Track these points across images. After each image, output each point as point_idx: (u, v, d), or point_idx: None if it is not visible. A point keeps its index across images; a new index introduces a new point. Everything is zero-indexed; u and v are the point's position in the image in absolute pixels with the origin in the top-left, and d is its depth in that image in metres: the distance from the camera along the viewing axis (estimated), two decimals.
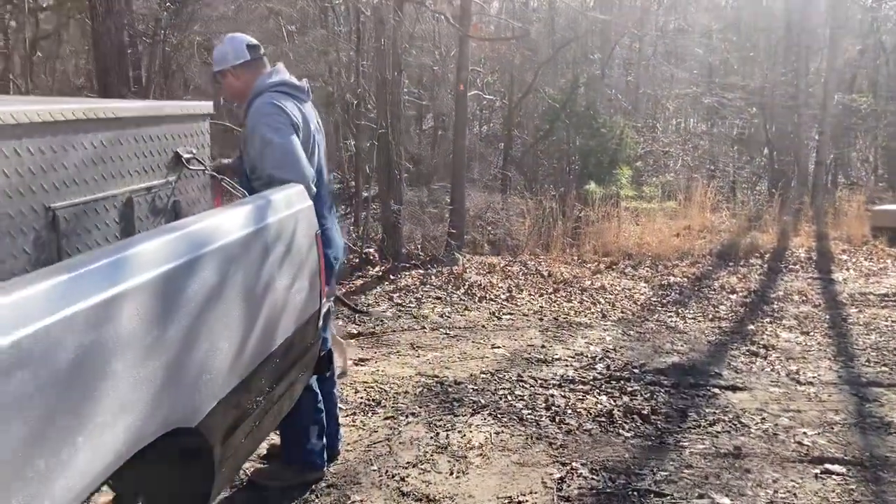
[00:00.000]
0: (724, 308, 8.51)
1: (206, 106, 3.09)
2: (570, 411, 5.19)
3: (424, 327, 7.29)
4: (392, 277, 9.00)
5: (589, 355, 6.53)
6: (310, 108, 3.95)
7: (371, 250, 10.00)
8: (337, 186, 16.79)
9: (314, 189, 3.54)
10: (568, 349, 6.70)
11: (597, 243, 11.86)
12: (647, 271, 10.55)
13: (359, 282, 8.86)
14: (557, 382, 5.79)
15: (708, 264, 10.99)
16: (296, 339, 2.77)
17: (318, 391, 4.04)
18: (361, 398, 5.37)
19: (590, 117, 16.54)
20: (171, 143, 2.78)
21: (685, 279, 10.05)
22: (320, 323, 3.16)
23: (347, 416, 5.04)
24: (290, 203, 2.80)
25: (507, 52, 16.72)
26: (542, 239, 11.92)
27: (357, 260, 9.62)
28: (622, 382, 5.85)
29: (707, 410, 5.30)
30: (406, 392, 5.51)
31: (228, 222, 2.29)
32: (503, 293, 8.69)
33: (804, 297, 8.95)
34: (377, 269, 9.40)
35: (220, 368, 2.14)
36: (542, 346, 6.76)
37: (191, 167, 2.91)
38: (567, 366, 6.24)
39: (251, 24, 13.40)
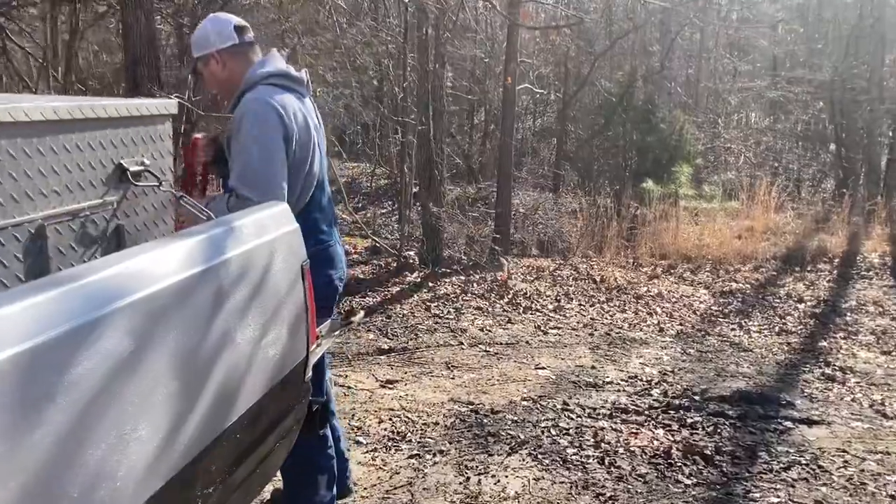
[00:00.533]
0: (791, 320, 7.83)
1: (168, 105, 2.49)
2: (621, 450, 4.55)
3: (462, 343, 6.67)
4: (431, 285, 8.37)
5: (644, 378, 5.88)
6: (310, 104, 3.33)
7: (411, 253, 9.41)
8: (384, 182, 16.34)
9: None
10: (621, 371, 6.06)
11: (653, 245, 11.24)
12: (708, 276, 9.90)
13: (395, 289, 8.25)
14: (608, 412, 5.15)
15: (772, 269, 10.30)
16: (268, 402, 2.17)
17: (327, 433, 3.47)
18: (385, 430, 4.78)
19: (648, 112, 15.89)
20: (113, 152, 2.18)
21: (748, 285, 9.39)
22: (308, 374, 2.56)
23: (367, 452, 4.46)
24: (264, 228, 2.17)
25: (562, 43, 16.08)
26: (594, 240, 11.28)
27: (395, 265, 9.02)
28: (681, 412, 5.19)
29: (779, 450, 4.63)
30: (436, 423, 4.90)
31: (161, 262, 1.70)
32: (550, 302, 8.05)
33: (880, 308, 8.23)
34: (415, 275, 8.77)
35: (135, 470, 1.53)
36: (592, 367, 6.11)
37: (139, 183, 2.32)
38: (619, 391, 5.60)
39: (296, 14, 12.93)
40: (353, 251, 9.99)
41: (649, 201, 12.62)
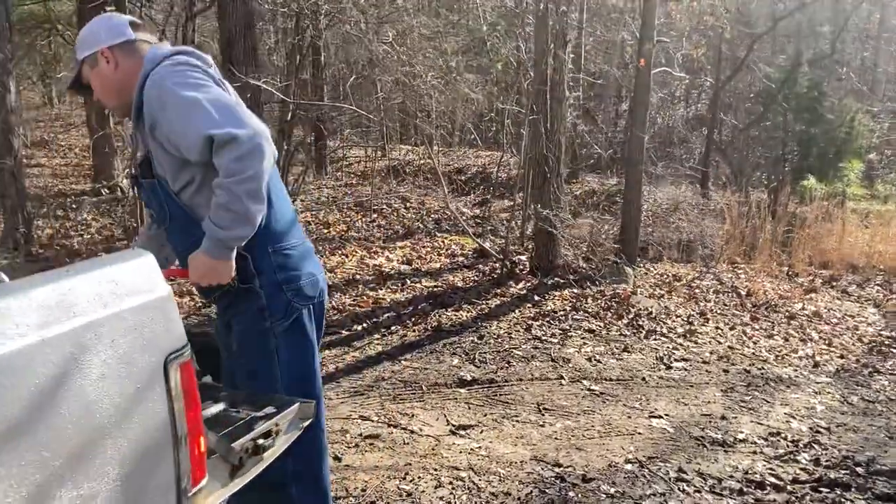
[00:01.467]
0: None
1: None
2: None
3: (562, 377, 5.47)
4: (537, 298, 7.17)
5: (789, 437, 4.59)
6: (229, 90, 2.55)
7: (522, 258, 8.25)
8: (516, 173, 15.32)
9: (275, 151, 2.28)
10: (759, 423, 4.78)
11: (813, 252, 9.85)
12: (878, 291, 8.51)
13: (494, 302, 7.10)
14: (737, 486, 3.93)
15: None
16: None
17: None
18: (441, 499, 3.72)
19: (813, 100, 14.43)
20: None
21: None
22: None
23: None
24: (63, 309, 1.14)
25: (717, 23, 14.66)
26: (744, 244, 9.90)
27: (499, 271, 7.86)
28: (838, 492, 3.92)
29: None
30: (507, 493, 3.79)
31: None
32: (680, 325, 6.75)
33: None
34: (521, 285, 7.56)
35: None
36: (722, 418, 4.85)
37: None
38: (755, 453, 4.35)
39: None
40: (459, 252, 8.94)
41: (810, 200, 11.53)
